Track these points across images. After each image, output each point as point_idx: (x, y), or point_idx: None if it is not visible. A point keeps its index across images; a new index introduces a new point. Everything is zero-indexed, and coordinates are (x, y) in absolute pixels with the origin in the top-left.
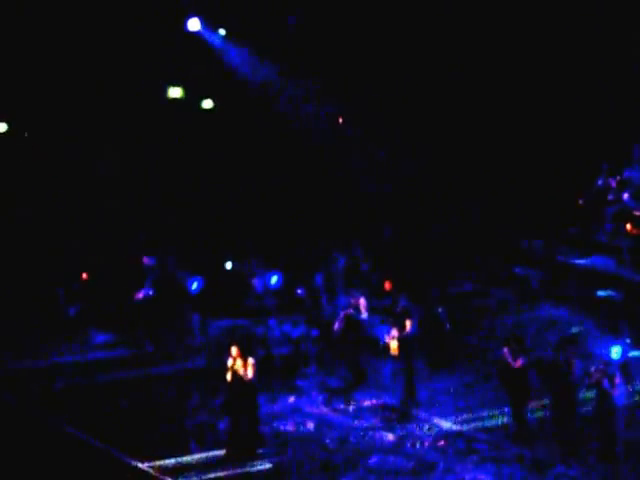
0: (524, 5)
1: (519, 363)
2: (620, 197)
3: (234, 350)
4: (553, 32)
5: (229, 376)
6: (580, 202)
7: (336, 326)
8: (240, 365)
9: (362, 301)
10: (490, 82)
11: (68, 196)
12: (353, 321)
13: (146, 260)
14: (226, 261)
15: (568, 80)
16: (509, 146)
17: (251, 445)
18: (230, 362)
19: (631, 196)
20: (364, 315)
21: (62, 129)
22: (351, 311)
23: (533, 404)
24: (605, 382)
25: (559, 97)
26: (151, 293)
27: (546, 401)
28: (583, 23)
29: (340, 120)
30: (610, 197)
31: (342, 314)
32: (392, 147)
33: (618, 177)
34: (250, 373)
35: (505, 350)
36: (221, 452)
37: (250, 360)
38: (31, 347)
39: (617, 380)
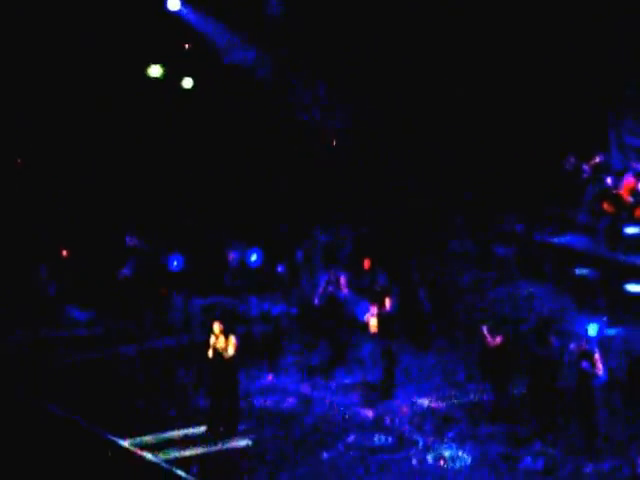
0: None
1: (497, 341)
2: (600, 179)
3: (216, 327)
4: (527, 14)
5: (210, 353)
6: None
7: (315, 301)
8: (222, 342)
9: (342, 278)
10: (467, 62)
11: (50, 174)
12: (333, 298)
13: (128, 239)
14: (206, 239)
15: (543, 63)
16: (486, 125)
17: (231, 422)
18: (212, 339)
19: (614, 180)
20: (344, 292)
21: (43, 106)
22: (331, 288)
23: (512, 382)
24: (583, 360)
25: (536, 79)
26: (130, 272)
27: (524, 379)
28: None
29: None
30: (585, 176)
31: (322, 290)
32: (374, 124)
33: (594, 160)
34: (232, 350)
35: (484, 328)
36: (201, 429)
37: (232, 337)
38: (11, 324)
39: (596, 357)
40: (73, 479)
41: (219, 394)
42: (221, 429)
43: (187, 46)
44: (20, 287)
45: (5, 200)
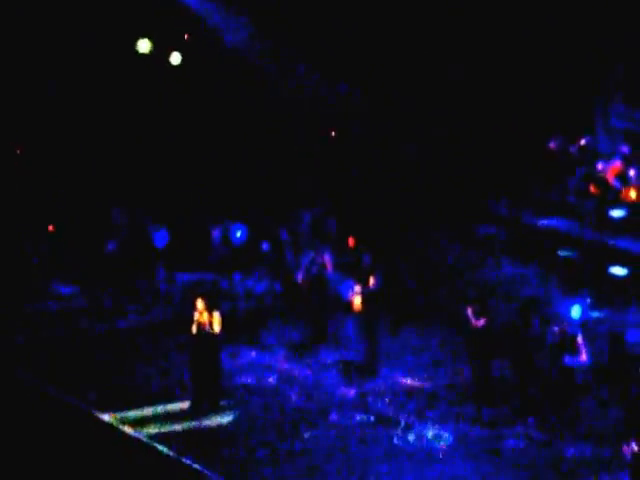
0: None
1: (481, 322)
2: (587, 162)
3: (200, 303)
4: None
5: (194, 329)
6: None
7: (299, 279)
8: (205, 318)
9: (326, 257)
10: (454, 41)
11: (35, 148)
12: (317, 276)
13: (114, 213)
14: (192, 215)
15: (531, 44)
16: (474, 105)
17: (213, 398)
18: (195, 315)
19: (604, 165)
20: (328, 271)
21: (28, 79)
22: (315, 266)
23: (495, 363)
24: (566, 342)
25: (524, 60)
26: (116, 247)
27: (508, 360)
28: None
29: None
30: (571, 159)
31: (305, 268)
32: (362, 104)
33: (581, 142)
34: (217, 327)
35: (468, 310)
36: (183, 404)
37: (216, 314)
38: None
39: (579, 339)
40: (54, 452)
41: (202, 370)
42: (203, 405)
43: (186, 36)
44: (5, 261)
45: None
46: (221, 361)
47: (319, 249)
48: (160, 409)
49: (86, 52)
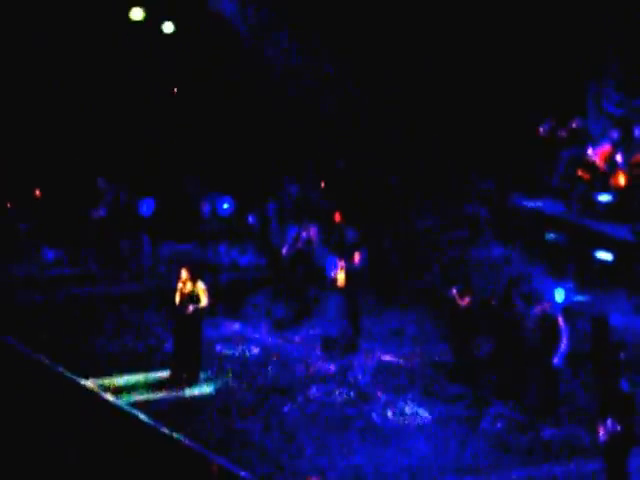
0: None
1: (465, 301)
2: (576, 145)
3: (184, 273)
4: None
5: (177, 299)
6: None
7: (284, 253)
8: (189, 288)
9: (312, 231)
10: (447, 27)
11: (25, 113)
12: (302, 251)
13: (101, 181)
14: (178, 184)
15: (524, 27)
16: (464, 87)
17: (194, 369)
18: (179, 285)
19: (594, 149)
20: (314, 245)
21: (25, 50)
22: (301, 240)
23: (476, 343)
24: (546, 325)
25: (517, 43)
26: (102, 214)
27: (489, 340)
28: None
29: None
30: (561, 141)
31: (291, 242)
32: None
33: (571, 125)
34: (203, 298)
35: (453, 289)
36: (165, 374)
37: (200, 284)
38: None
39: (560, 322)
40: (35, 419)
41: (184, 341)
42: (184, 375)
43: None
44: None
45: None
46: (202, 333)
47: (305, 223)
48: (141, 377)
49: (79, 19)
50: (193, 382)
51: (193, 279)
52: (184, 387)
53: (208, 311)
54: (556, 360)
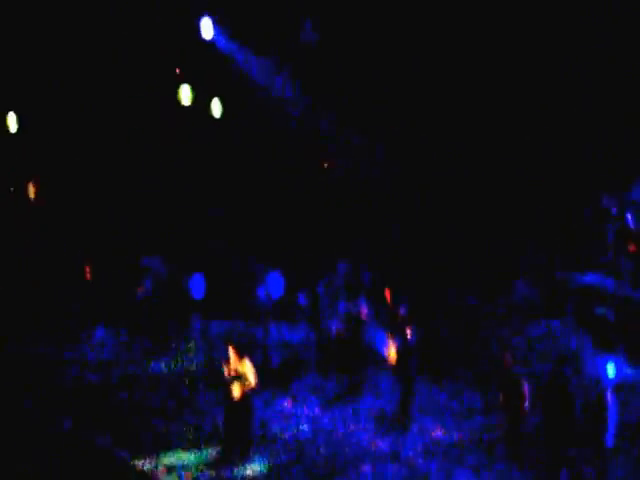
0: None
1: (516, 375)
2: (622, 216)
3: (232, 352)
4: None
5: (226, 376)
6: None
7: (334, 330)
8: (237, 367)
9: (363, 308)
10: (489, 88)
11: (71, 192)
12: (353, 328)
13: (147, 260)
14: (229, 263)
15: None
16: (511, 158)
17: (245, 447)
18: (228, 364)
19: (633, 216)
20: (365, 322)
21: (78, 127)
22: (351, 317)
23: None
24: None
25: (565, 113)
26: (149, 291)
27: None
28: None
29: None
30: (613, 215)
31: (341, 319)
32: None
33: (621, 197)
34: (250, 376)
35: (507, 355)
36: (215, 452)
37: (247, 363)
38: (36, 342)
39: (609, 399)
40: None
41: (234, 419)
42: (235, 454)
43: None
44: (44, 306)
45: (29, 220)
46: (254, 410)
47: (355, 300)
48: (192, 456)
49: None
50: (245, 460)
51: (240, 358)
52: (235, 465)
53: (257, 389)
54: (607, 439)
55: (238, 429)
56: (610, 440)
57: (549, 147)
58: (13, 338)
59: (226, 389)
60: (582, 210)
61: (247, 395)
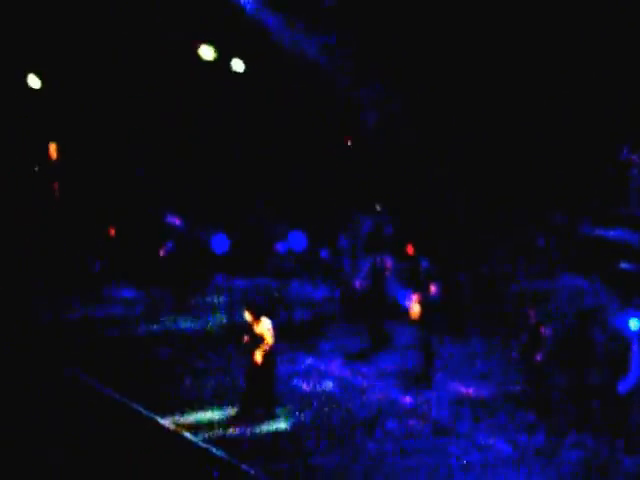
0: None
1: (541, 331)
2: None
3: (247, 314)
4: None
5: (246, 338)
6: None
7: (358, 285)
8: (256, 328)
9: (388, 262)
10: (523, 54)
11: (96, 153)
12: (377, 282)
13: (169, 218)
14: (250, 221)
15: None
16: (532, 117)
17: (268, 405)
18: (246, 326)
19: None
20: (389, 276)
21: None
22: (376, 272)
23: (553, 373)
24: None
25: (584, 68)
26: (172, 249)
27: (566, 371)
28: None
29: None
30: (634, 171)
31: (366, 273)
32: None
33: None
34: (269, 338)
35: (531, 311)
36: (240, 410)
37: (264, 323)
38: (58, 302)
39: (634, 352)
40: (114, 456)
41: (255, 379)
42: (258, 412)
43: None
44: (67, 265)
45: (52, 180)
46: (275, 368)
47: (379, 255)
48: (217, 414)
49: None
50: (269, 418)
51: (256, 319)
52: (259, 423)
53: (282, 346)
54: (621, 388)
55: (260, 389)
56: (626, 389)
57: (570, 101)
58: (38, 297)
59: (246, 351)
60: (604, 164)
61: (267, 356)
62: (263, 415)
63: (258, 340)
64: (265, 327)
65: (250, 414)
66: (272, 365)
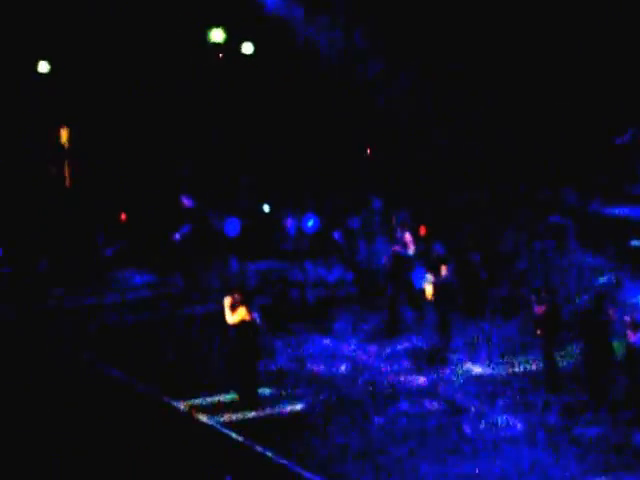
0: None
1: (541, 310)
2: None
3: (237, 297)
4: None
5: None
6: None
7: (383, 262)
8: (239, 313)
9: (408, 236)
10: (526, 34)
11: (107, 137)
12: (399, 257)
13: (185, 201)
14: (263, 204)
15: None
16: (546, 95)
17: (250, 389)
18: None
19: None
20: (411, 251)
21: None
22: (398, 248)
23: (565, 351)
24: (634, 332)
25: (596, 50)
26: (187, 232)
27: (577, 348)
28: None
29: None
30: None
31: (391, 251)
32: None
33: None
34: (255, 322)
35: (532, 297)
36: (262, 392)
37: (246, 308)
38: (71, 287)
39: None
40: (129, 440)
41: (241, 360)
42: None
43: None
44: (80, 251)
45: (64, 164)
46: (257, 351)
47: (401, 229)
48: (229, 397)
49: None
50: (285, 399)
51: (240, 305)
52: (273, 405)
53: (296, 329)
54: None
55: (244, 371)
56: None
57: (578, 78)
58: (51, 284)
59: (230, 337)
60: (613, 143)
61: (250, 339)
62: (245, 399)
63: (246, 324)
64: (248, 311)
65: (254, 396)
66: (255, 349)
